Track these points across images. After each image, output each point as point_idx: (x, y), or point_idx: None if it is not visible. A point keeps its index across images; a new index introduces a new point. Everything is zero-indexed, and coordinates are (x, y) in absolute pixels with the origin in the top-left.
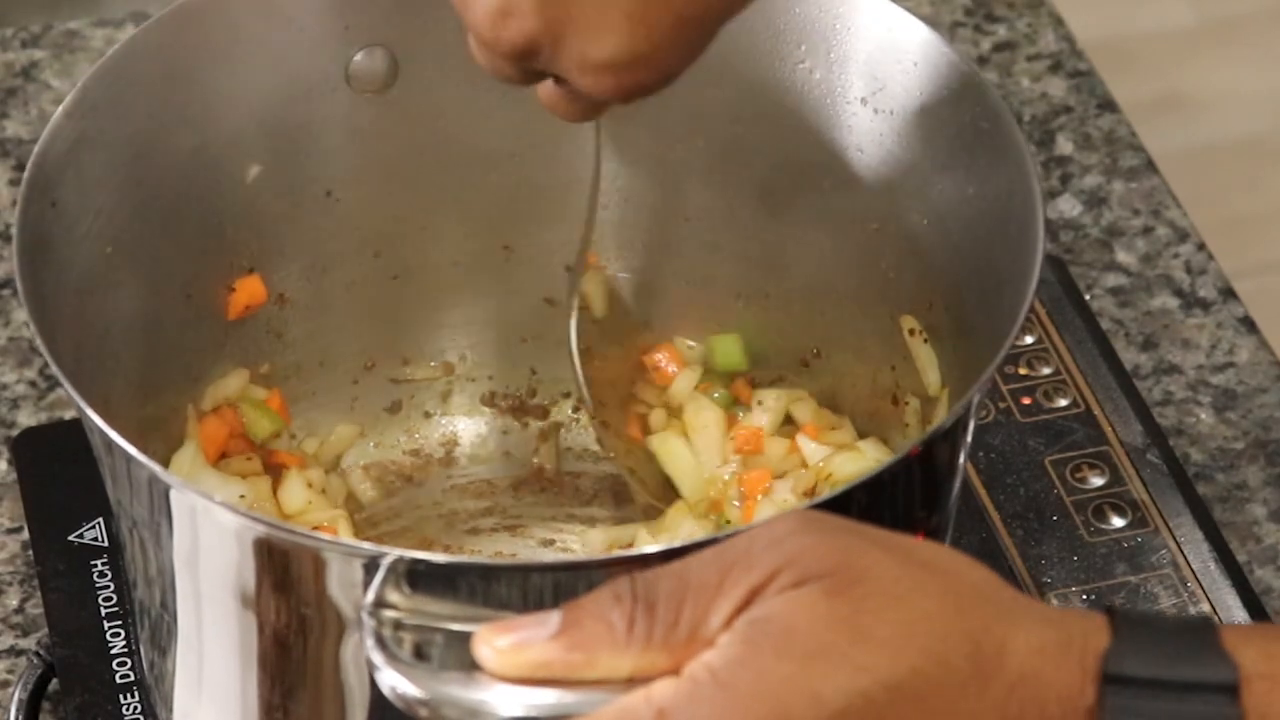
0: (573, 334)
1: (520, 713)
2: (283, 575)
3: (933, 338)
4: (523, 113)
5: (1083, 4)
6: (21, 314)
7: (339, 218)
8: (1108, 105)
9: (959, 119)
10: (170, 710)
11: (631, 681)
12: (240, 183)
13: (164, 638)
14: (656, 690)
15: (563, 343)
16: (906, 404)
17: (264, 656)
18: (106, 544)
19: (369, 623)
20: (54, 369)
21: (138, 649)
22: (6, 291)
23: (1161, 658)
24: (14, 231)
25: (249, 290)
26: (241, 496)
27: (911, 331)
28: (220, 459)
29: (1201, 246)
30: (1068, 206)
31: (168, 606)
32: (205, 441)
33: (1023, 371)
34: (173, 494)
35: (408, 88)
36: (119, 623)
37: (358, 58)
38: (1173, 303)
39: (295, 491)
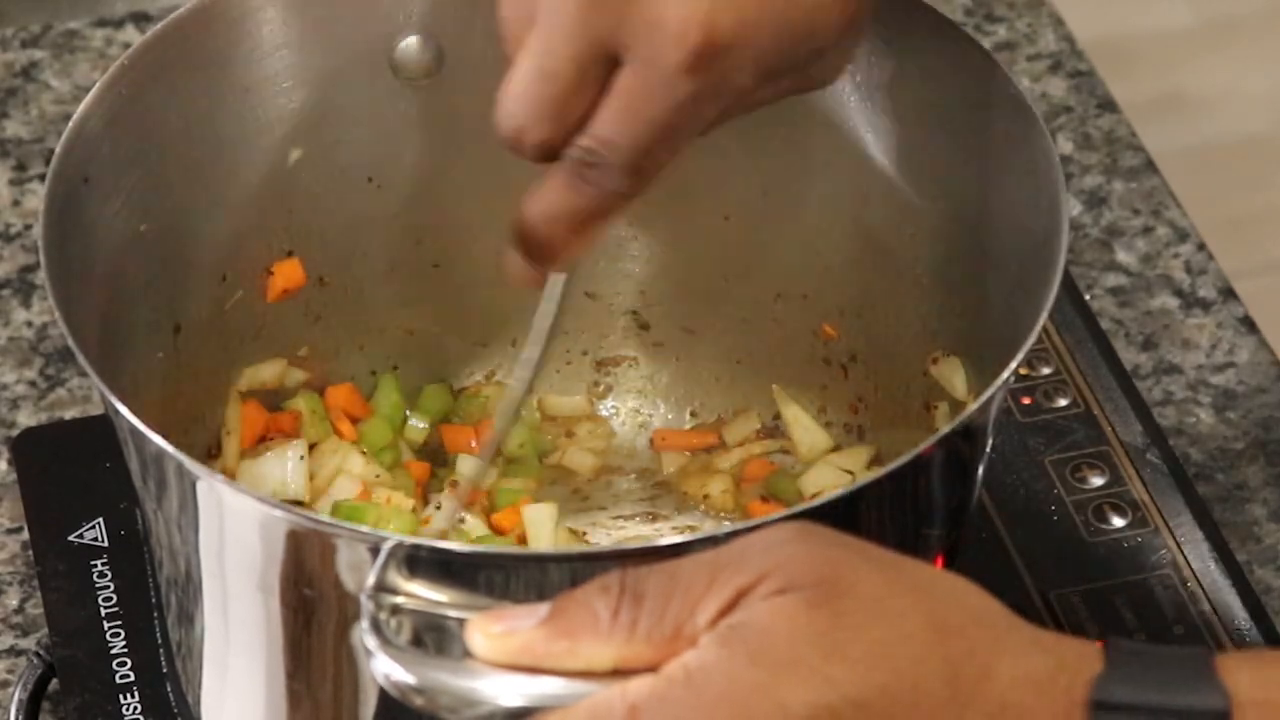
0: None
1: (509, 701)
2: (297, 559)
3: (961, 346)
4: None
5: (1083, 4)
6: (22, 314)
7: (380, 204)
8: (1108, 105)
9: (992, 126)
10: (196, 686)
11: (617, 673)
12: (281, 166)
13: (189, 615)
14: (632, 686)
15: (605, 334)
16: (936, 409)
17: (284, 639)
18: (106, 544)
19: (367, 607)
20: (73, 347)
21: (162, 628)
22: (6, 291)
23: (1150, 685)
24: (42, 206)
25: (287, 273)
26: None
27: (935, 360)
28: (260, 442)
29: (1201, 246)
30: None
31: (192, 586)
32: (243, 426)
33: (1023, 371)
34: (198, 482)
35: (452, 76)
36: (119, 623)
37: (402, 45)
38: (1173, 303)
39: (356, 459)
